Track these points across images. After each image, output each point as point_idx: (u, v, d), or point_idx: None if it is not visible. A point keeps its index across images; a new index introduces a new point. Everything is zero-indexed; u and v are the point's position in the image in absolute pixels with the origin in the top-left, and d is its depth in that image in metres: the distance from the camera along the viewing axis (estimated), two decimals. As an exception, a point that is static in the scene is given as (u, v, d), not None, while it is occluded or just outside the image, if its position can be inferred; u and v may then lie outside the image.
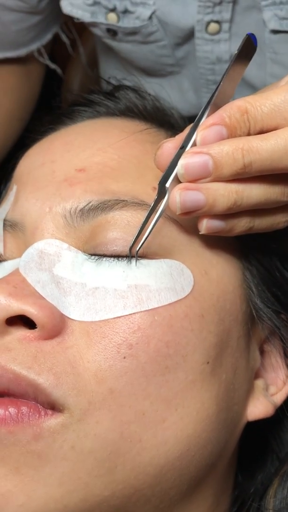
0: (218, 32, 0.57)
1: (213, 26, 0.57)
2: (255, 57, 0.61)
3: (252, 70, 0.61)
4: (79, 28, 0.69)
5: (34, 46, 0.66)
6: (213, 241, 0.39)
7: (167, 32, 0.58)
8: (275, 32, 0.56)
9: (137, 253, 0.35)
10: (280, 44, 0.57)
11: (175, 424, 0.34)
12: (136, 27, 0.58)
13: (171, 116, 0.46)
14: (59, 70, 0.70)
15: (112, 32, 0.59)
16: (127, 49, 0.61)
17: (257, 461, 0.46)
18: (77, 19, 0.59)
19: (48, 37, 0.67)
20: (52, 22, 0.67)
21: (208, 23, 0.57)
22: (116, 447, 0.33)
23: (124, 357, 0.33)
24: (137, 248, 0.35)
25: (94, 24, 0.60)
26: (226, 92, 0.36)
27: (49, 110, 0.48)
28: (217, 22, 0.57)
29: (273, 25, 0.55)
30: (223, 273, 0.38)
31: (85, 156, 0.40)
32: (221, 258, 0.39)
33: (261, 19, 0.56)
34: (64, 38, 0.67)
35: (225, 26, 0.57)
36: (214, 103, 0.36)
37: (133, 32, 0.58)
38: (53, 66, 0.69)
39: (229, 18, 0.56)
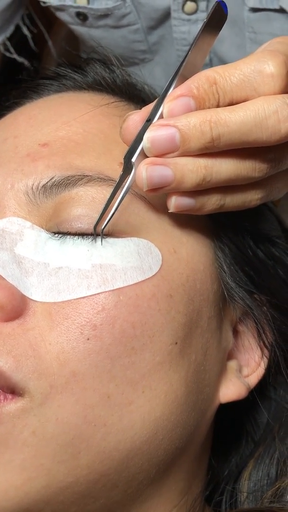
0: (195, 11, 0.56)
1: (189, 5, 0.55)
2: (235, 38, 0.60)
3: (231, 50, 0.60)
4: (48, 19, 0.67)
5: None
6: (183, 220, 0.37)
7: (141, 14, 0.56)
8: (254, 10, 0.55)
9: (102, 231, 0.34)
10: (260, 23, 0.56)
11: (142, 407, 0.33)
12: (109, 8, 0.56)
13: (142, 90, 0.44)
14: (27, 63, 0.67)
15: (82, 16, 0.57)
16: (97, 35, 0.59)
17: (231, 443, 0.46)
18: (44, 2, 0.57)
19: (11, 28, 0.63)
20: (15, 12, 0.63)
21: (184, 2, 0.55)
22: (79, 431, 0.31)
23: (88, 339, 0.32)
24: (103, 226, 0.34)
25: (63, 8, 0.57)
26: (195, 63, 0.35)
27: (17, 84, 0.46)
28: (194, 1, 0.55)
29: (253, 2, 0.54)
30: (193, 252, 0.37)
31: (49, 130, 0.38)
32: (191, 236, 0.38)
33: None
34: (25, 31, 0.64)
35: (202, 5, 0.55)
36: (182, 74, 0.34)
37: (105, 14, 0.56)
38: (20, 59, 0.67)
39: None
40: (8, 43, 0.64)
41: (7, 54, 0.64)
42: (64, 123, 0.38)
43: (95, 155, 0.37)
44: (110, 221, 0.34)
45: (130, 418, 0.33)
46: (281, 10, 0.53)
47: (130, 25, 0.58)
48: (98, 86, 0.43)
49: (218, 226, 0.40)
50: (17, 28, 0.71)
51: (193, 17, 0.56)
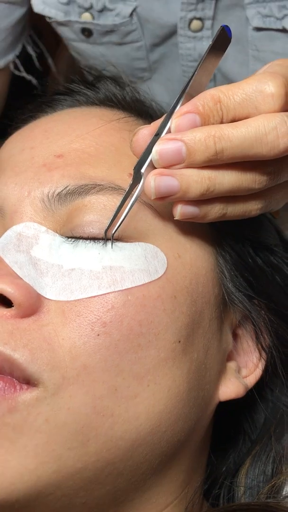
0: (200, 29, 0.58)
1: (195, 23, 0.58)
2: (238, 55, 0.63)
3: (234, 67, 0.62)
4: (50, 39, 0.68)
5: (10, 57, 0.64)
6: (187, 227, 0.40)
7: (145, 31, 0.58)
8: (258, 29, 0.57)
9: (112, 236, 0.37)
10: (263, 41, 0.58)
11: (146, 400, 0.35)
12: (116, 24, 0.58)
13: (150, 107, 0.47)
14: (34, 81, 0.69)
15: (87, 32, 0.59)
16: (99, 52, 0.61)
17: (230, 441, 0.48)
18: (50, 18, 0.59)
19: (19, 46, 0.65)
20: (24, 29, 0.65)
21: (191, 20, 0.58)
22: (88, 420, 0.34)
23: (98, 335, 0.35)
24: (113, 231, 0.36)
25: (68, 24, 0.59)
26: (200, 83, 0.38)
27: (32, 99, 0.49)
28: (200, 19, 0.58)
29: (256, 22, 0.56)
30: (196, 257, 0.40)
31: (63, 142, 0.41)
32: (194, 243, 0.40)
33: (244, 16, 0.57)
34: (30, 50, 0.66)
35: (208, 23, 0.58)
36: (188, 93, 0.37)
37: (111, 30, 0.58)
38: (29, 77, 0.69)
39: (211, 16, 0.57)
40: (17, 61, 0.66)
41: (16, 72, 0.66)
42: (77, 136, 0.41)
43: (107, 166, 0.39)
44: (120, 227, 0.37)
45: (136, 410, 0.35)
46: (283, 30, 0.56)
47: (134, 42, 0.60)
48: (109, 102, 0.46)
49: (220, 234, 0.42)
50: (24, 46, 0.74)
51: (199, 34, 0.58)
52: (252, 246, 0.44)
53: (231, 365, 0.43)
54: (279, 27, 0.56)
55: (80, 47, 0.62)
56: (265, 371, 0.43)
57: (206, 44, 0.59)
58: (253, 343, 0.43)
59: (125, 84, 0.47)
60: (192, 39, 0.58)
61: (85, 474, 0.34)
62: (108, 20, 0.58)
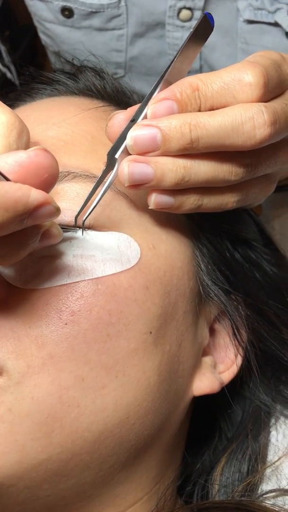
0: (189, 19, 0.57)
1: (185, 13, 0.57)
2: (226, 47, 0.62)
3: (222, 60, 0.62)
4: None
5: None
6: (163, 218, 0.39)
7: (131, 18, 0.57)
8: (249, 22, 0.56)
9: (83, 223, 0.36)
10: (253, 34, 0.58)
11: (114, 391, 0.35)
12: (103, 5, 0.56)
13: (130, 98, 0.47)
14: (9, 75, 0.69)
15: (67, 12, 0.57)
16: (75, 38, 0.59)
17: (205, 439, 0.47)
18: None
19: None
20: None
21: (180, 10, 0.57)
22: (53, 411, 0.33)
23: (66, 324, 0.34)
24: (84, 218, 0.36)
25: (47, 0, 0.57)
26: (180, 70, 0.37)
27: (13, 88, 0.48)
28: (189, 9, 0.57)
29: (248, 15, 0.55)
30: (172, 249, 0.39)
31: (39, 130, 0.40)
32: (170, 234, 0.40)
33: (235, 8, 0.56)
34: None
35: (197, 13, 0.57)
36: (166, 80, 0.36)
37: (95, 11, 0.57)
38: (4, 69, 0.69)
39: (202, 6, 0.56)
40: None
41: None
42: (54, 124, 0.40)
43: (82, 154, 0.39)
44: (92, 214, 0.36)
45: (103, 401, 0.34)
46: (275, 24, 0.55)
47: (116, 29, 0.58)
48: (89, 92, 0.45)
49: (198, 227, 0.41)
50: (20, 42, 0.73)
51: (187, 24, 0.57)
52: (230, 240, 0.43)
53: (207, 360, 0.42)
54: (271, 20, 0.55)
55: (55, 30, 0.60)
56: (242, 367, 0.43)
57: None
58: (229, 338, 0.43)
59: (106, 74, 0.47)
60: (180, 28, 0.58)
61: (49, 465, 0.33)
62: None
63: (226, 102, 0.35)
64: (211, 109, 0.35)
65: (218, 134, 0.34)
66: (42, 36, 0.67)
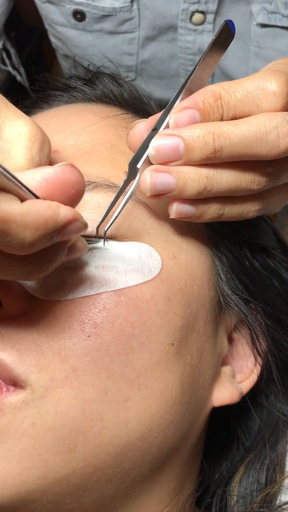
0: (202, 22, 0.57)
1: (197, 17, 0.57)
2: (238, 51, 0.62)
3: (234, 63, 0.62)
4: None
5: None
6: (183, 227, 0.39)
7: (143, 21, 0.57)
8: (262, 25, 0.56)
9: (105, 233, 0.36)
10: (266, 38, 0.57)
11: (137, 404, 0.34)
12: (115, 8, 0.55)
13: (148, 104, 0.46)
14: (19, 77, 0.68)
15: (79, 15, 0.57)
16: (87, 42, 0.59)
17: (223, 448, 0.47)
18: None
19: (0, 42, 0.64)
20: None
21: (192, 13, 0.57)
22: (77, 425, 0.33)
23: (89, 336, 0.33)
24: (105, 228, 0.35)
25: (60, 3, 0.56)
26: (201, 78, 0.37)
27: (29, 95, 0.48)
28: (202, 12, 0.56)
29: (262, 18, 0.55)
30: (192, 259, 0.39)
31: (58, 138, 0.40)
32: (190, 244, 0.39)
33: (248, 11, 0.56)
34: (8, 46, 0.65)
35: (210, 17, 0.57)
36: (188, 88, 0.36)
37: (107, 15, 0.56)
38: (14, 72, 0.69)
39: (214, 10, 0.56)
40: (4, 54, 0.65)
41: (2, 66, 0.66)
42: (73, 132, 0.40)
43: (102, 163, 0.39)
44: (113, 224, 0.36)
45: (126, 414, 0.34)
46: None
47: (128, 33, 0.58)
48: (107, 99, 0.45)
49: (217, 236, 0.41)
50: (26, 44, 0.73)
51: (200, 28, 0.57)
52: (249, 248, 0.43)
53: (226, 370, 0.42)
54: (285, 24, 0.55)
55: (67, 33, 0.60)
56: (261, 376, 0.42)
57: (206, 38, 0.58)
58: (248, 347, 0.42)
59: (123, 81, 0.46)
60: (193, 32, 0.57)
61: (72, 480, 0.33)
62: (106, 2, 0.55)
63: (249, 111, 0.34)
64: (234, 118, 0.35)
65: (241, 144, 0.33)
66: (52, 39, 0.66)
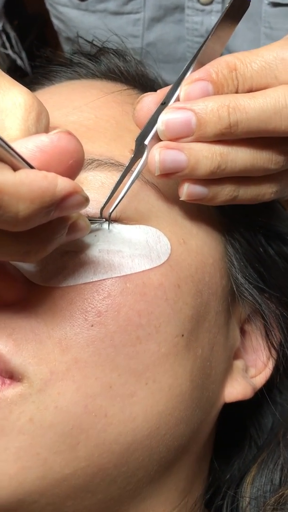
0: (210, 2, 0.55)
1: None
2: (248, 32, 0.59)
3: (244, 46, 0.59)
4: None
5: None
6: (194, 211, 0.36)
7: (148, 1, 0.55)
8: (274, 5, 0.54)
9: (110, 216, 0.33)
10: (278, 18, 0.55)
11: (145, 399, 0.32)
12: None
13: (155, 81, 0.44)
14: (19, 61, 0.66)
15: None
16: (90, 23, 0.57)
17: (235, 447, 0.44)
18: None
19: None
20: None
21: None
22: (79, 421, 0.30)
23: (92, 325, 0.31)
24: (110, 210, 0.33)
25: None
26: (213, 50, 0.34)
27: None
28: None
29: None
30: (203, 244, 0.36)
31: (59, 114, 0.37)
32: (201, 229, 0.37)
33: None
34: (8, 29, 0.64)
35: None
36: (199, 61, 0.33)
37: None
38: (14, 56, 0.66)
39: None
40: (4, 38, 0.63)
41: (1, 49, 0.64)
42: (75, 108, 0.38)
43: (106, 141, 0.36)
44: (118, 206, 0.33)
45: (132, 410, 0.31)
46: None
47: (133, 13, 0.56)
48: (112, 74, 0.42)
49: (230, 221, 0.38)
50: (29, 31, 0.71)
51: (208, 8, 0.55)
52: (264, 234, 0.40)
53: (238, 363, 0.39)
54: None
55: (68, 13, 0.57)
56: (275, 371, 0.40)
57: (214, 19, 0.56)
58: (262, 340, 0.40)
59: (130, 57, 0.44)
60: (201, 12, 0.55)
61: (73, 481, 0.30)
62: None
63: (266, 83, 0.32)
64: (250, 91, 0.32)
65: (259, 118, 0.31)
66: (54, 21, 0.64)
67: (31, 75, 0.47)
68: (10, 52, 0.66)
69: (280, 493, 0.40)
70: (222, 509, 0.41)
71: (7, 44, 0.66)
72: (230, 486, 0.42)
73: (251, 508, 0.41)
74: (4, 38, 0.65)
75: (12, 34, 0.67)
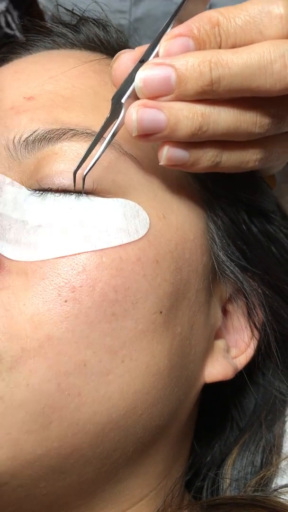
0: None
1: None
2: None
3: (228, 2, 0.57)
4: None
5: None
6: (175, 185, 0.35)
7: None
8: None
9: (84, 180, 0.31)
10: None
11: (121, 378, 0.31)
12: None
13: None
14: (18, 34, 0.64)
15: None
16: None
17: (216, 429, 0.43)
18: None
19: None
20: None
21: None
22: (51, 400, 0.29)
23: (66, 301, 0.30)
24: (84, 174, 0.31)
25: None
26: (195, 8, 0.32)
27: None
28: None
29: None
30: (183, 220, 0.35)
31: (35, 84, 0.36)
32: (182, 204, 0.35)
33: None
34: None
35: None
36: (179, 19, 0.31)
37: None
38: (12, 32, 0.64)
39: None
40: (9, 18, 0.62)
41: (8, 30, 0.62)
42: (51, 78, 0.36)
43: (83, 111, 0.34)
44: (94, 176, 0.31)
45: (108, 389, 0.30)
46: None
47: None
48: (91, 44, 0.40)
49: (212, 196, 0.37)
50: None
51: None
52: (247, 211, 0.39)
53: (220, 343, 0.38)
54: None
55: None
56: (258, 351, 0.39)
57: None
58: (244, 319, 0.39)
59: (111, 27, 0.42)
60: None
61: (46, 462, 0.29)
62: None
63: (251, 39, 0.30)
64: (233, 47, 0.30)
65: (242, 74, 0.29)
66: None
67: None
68: (17, 33, 0.64)
69: (261, 475, 0.40)
70: (202, 491, 0.41)
71: (13, 25, 0.64)
72: (211, 468, 0.41)
73: (231, 489, 0.40)
74: (9, 18, 0.63)
75: (16, 13, 0.65)
